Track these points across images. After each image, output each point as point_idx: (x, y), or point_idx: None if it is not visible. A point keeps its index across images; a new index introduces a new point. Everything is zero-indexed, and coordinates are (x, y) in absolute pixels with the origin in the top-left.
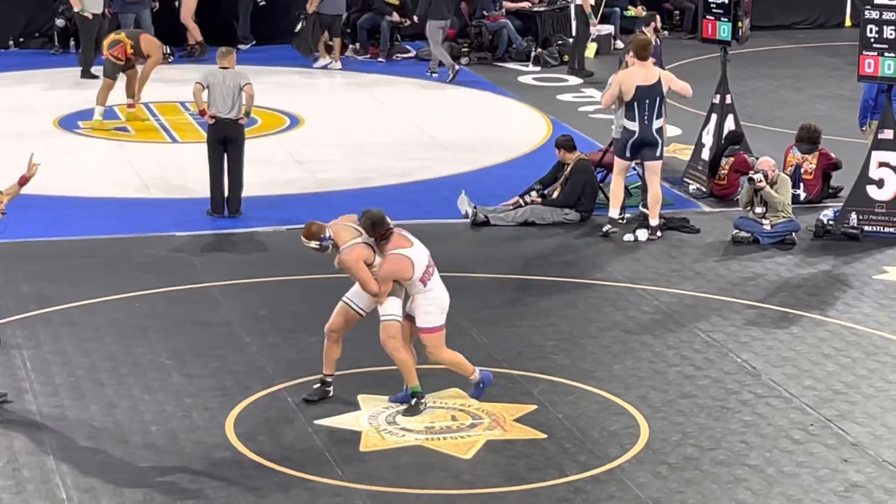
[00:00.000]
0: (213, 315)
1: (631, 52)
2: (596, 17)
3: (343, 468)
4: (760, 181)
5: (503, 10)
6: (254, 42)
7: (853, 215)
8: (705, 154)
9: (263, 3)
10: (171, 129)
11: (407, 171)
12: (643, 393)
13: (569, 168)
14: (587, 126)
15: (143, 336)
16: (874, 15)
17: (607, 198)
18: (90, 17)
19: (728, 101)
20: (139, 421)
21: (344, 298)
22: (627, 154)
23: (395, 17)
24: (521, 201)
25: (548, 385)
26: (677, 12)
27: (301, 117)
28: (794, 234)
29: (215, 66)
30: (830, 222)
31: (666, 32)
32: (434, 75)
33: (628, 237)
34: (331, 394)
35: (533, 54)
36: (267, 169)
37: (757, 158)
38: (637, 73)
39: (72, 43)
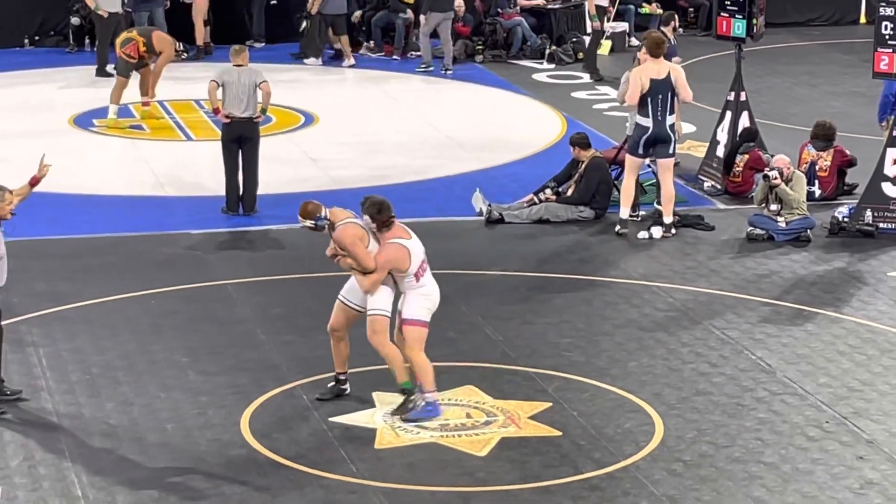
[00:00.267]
0: (228, 313)
1: (644, 49)
2: (609, 17)
3: (358, 465)
4: (775, 178)
5: (518, 7)
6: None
7: (868, 212)
8: (720, 151)
9: (275, 1)
10: (186, 127)
11: (421, 168)
12: (658, 390)
13: (583, 166)
14: (602, 123)
15: (159, 334)
16: (889, 12)
17: None
18: (105, 15)
19: (743, 98)
20: (154, 419)
21: (340, 297)
22: (640, 150)
23: (410, 14)
24: (535, 199)
25: (562, 382)
26: (692, 9)
27: (315, 115)
28: (808, 231)
29: (229, 63)
30: (845, 219)
31: (681, 30)
32: (448, 72)
33: (643, 234)
34: (347, 391)
35: (547, 52)
36: (282, 167)
37: (772, 156)
38: (650, 69)
39: (86, 41)
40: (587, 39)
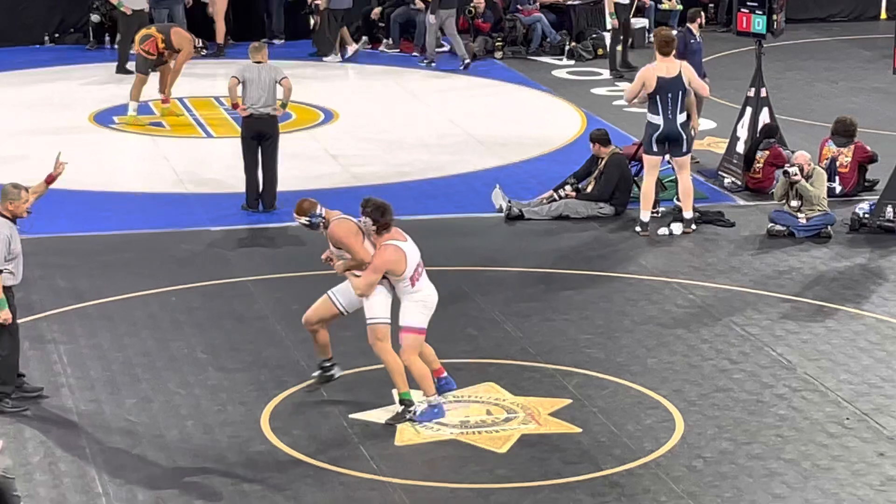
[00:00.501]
0: (248, 309)
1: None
2: (630, 14)
3: (378, 462)
4: (796, 174)
5: (537, 3)
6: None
7: (889, 208)
8: (740, 147)
9: None
10: (206, 124)
11: (441, 165)
12: (678, 387)
13: (603, 162)
14: (621, 120)
15: (179, 330)
16: None
17: None
18: (129, 12)
19: (763, 94)
20: (175, 415)
21: (329, 292)
22: (654, 149)
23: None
24: (555, 195)
25: (582, 379)
26: (712, 5)
27: (335, 112)
28: (829, 227)
29: (249, 60)
30: (866, 215)
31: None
32: (466, 61)
33: (663, 231)
34: (336, 376)
35: (567, 48)
36: (301, 163)
37: (792, 152)
38: (658, 67)
39: (106, 38)
40: (607, 36)
